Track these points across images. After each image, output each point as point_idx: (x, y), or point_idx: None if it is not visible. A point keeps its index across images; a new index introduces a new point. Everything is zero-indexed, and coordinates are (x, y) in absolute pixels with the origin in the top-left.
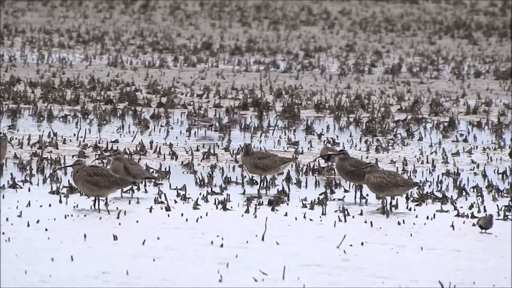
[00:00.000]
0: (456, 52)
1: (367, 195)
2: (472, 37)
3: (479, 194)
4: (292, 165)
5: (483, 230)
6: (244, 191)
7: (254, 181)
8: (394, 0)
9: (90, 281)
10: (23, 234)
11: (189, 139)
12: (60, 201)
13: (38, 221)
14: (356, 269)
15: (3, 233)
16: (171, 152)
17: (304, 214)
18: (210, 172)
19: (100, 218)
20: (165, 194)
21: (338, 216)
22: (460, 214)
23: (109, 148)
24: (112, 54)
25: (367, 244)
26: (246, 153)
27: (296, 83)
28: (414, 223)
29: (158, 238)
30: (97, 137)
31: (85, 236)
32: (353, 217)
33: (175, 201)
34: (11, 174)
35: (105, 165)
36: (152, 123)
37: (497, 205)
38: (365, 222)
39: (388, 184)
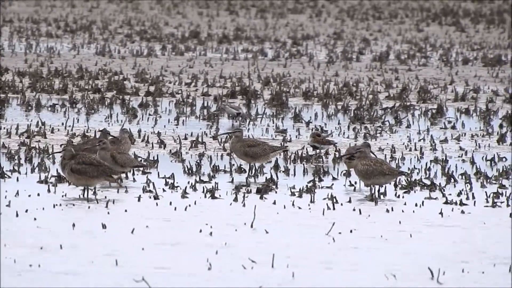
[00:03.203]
0: (444, 39)
1: (356, 182)
2: (459, 24)
3: (468, 181)
4: (280, 153)
5: None
6: (233, 179)
7: (242, 169)
8: None
9: (79, 270)
10: (12, 223)
11: (177, 127)
12: (49, 190)
13: (26, 211)
14: (345, 256)
15: None
16: (159, 141)
17: (293, 202)
18: (198, 161)
19: (89, 207)
20: (153, 183)
21: (327, 204)
22: (449, 201)
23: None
24: (100, 43)
25: (356, 232)
26: (237, 139)
27: (284, 71)
28: (402, 211)
29: (147, 227)
30: (85, 126)
31: (73, 225)
32: (341, 204)
33: (164, 190)
34: None
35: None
36: (140, 111)
37: (486, 192)
38: (354, 209)
39: (374, 172)
